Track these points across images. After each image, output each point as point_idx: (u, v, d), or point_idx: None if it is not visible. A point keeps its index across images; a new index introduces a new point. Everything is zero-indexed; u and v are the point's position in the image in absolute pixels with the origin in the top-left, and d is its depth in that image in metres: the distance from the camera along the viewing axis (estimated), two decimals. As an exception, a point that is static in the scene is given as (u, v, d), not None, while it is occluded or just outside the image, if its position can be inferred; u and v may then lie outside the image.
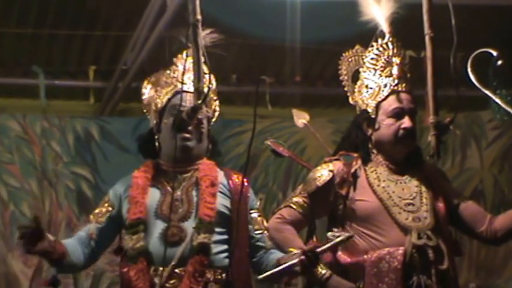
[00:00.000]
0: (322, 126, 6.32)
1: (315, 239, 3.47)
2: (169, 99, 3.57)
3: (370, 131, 3.50)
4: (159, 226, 3.44)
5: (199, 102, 3.37)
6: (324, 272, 3.34)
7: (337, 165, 3.48)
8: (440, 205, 3.45)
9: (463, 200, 3.53)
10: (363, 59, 3.59)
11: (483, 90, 3.50)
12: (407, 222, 3.36)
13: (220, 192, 3.51)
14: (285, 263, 3.25)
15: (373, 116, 3.49)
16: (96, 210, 3.60)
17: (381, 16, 3.56)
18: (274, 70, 6.97)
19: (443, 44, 3.45)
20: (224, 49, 3.44)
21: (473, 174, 7.13)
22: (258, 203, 3.61)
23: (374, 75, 3.52)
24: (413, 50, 4.56)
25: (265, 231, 3.48)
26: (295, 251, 3.25)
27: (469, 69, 3.47)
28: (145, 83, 3.73)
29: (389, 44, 3.53)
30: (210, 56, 3.44)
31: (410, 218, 3.37)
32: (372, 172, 3.47)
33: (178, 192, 3.49)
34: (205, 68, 3.39)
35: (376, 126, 3.48)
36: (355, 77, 3.63)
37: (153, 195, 3.52)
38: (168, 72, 3.65)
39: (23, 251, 3.36)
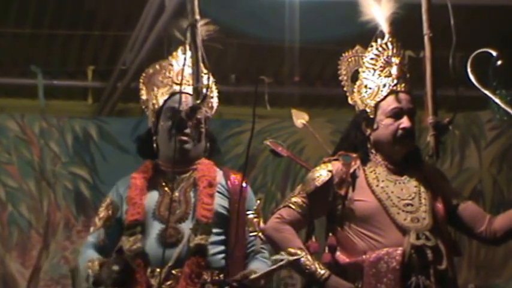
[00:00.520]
0: (321, 127, 6.31)
1: (314, 239, 3.46)
2: (165, 101, 3.56)
3: (368, 131, 3.49)
4: (156, 227, 3.44)
5: (198, 102, 3.36)
6: (322, 272, 3.33)
7: (336, 166, 3.48)
8: (439, 205, 3.44)
9: (462, 201, 3.52)
10: (362, 59, 3.58)
11: (483, 90, 3.50)
12: (405, 222, 3.36)
13: (219, 192, 3.50)
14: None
15: (371, 116, 3.48)
16: (102, 214, 3.59)
17: (380, 16, 3.55)
18: (273, 70, 6.97)
19: (443, 44, 3.44)
20: (220, 43, 3.43)
21: (472, 174, 7.12)
22: (258, 202, 3.61)
23: (373, 75, 3.51)
24: (412, 50, 4.54)
25: (259, 233, 3.48)
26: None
27: (469, 70, 3.47)
28: (141, 80, 3.72)
29: (389, 44, 3.52)
30: (209, 56, 3.44)
31: (408, 219, 3.37)
32: (371, 172, 3.46)
33: (177, 193, 3.49)
34: (203, 68, 3.39)
35: (375, 126, 3.47)
36: (355, 77, 3.62)
37: (152, 196, 3.52)
38: (163, 71, 3.64)
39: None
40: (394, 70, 3.49)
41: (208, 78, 3.39)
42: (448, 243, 3.41)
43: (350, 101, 3.62)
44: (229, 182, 3.54)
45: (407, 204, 3.40)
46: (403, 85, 3.48)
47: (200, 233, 3.39)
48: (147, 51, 5.92)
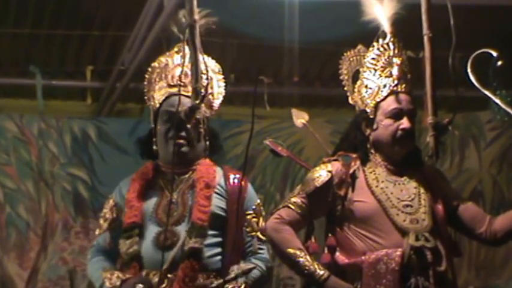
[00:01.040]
0: (321, 127, 6.30)
1: (313, 240, 3.45)
2: (161, 103, 3.54)
3: (368, 131, 3.48)
4: (152, 230, 3.43)
5: (197, 102, 3.35)
6: (321, 272, 3.33)
7: (335, 166, 3.47)
8: (439, 206, 3.43)
9: (462, 201, 3.52)
10: (364, 59, 3.57)
11: (483, 90, 3.49)
12: (405, 223, 3.35)
13: (216, 193, 3.49)
14: None
15: (371, 117, 3.47)
16: (107, 216, 3.57)
17: (382, 16, 3.54)
18: (272, 70, 6.96)
19: (443, 44, 3.44)
20: (219, 39, 3.42)
21: (472, 175, 7.12)
22: (258, 202, 3.59)
23: (374, 75, 3.50)
24: (412, 50, 4.53)
25: (258, 234, 3.48)
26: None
27: (469, 70, 3.46)
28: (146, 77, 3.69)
29: (391, 44, 3.51)
30: (209, 56, 3.43)
31: (408, 220, 3.36)
32: (371, 173, 3.45)
33: (175, 195, 3.47)
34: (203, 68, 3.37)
35: (375, 126, 3.46)
36: (355, 77, 3.61)
37: (151, 198, 3.51)
38: (161, 71, 3.62)
39: None
40: (395, 70, 3.48)
41: (208, 78, 3.38)
42: (448, 244, 3.40)
43: (350, 101, 3.61)
44: (228, 183, 3.53)
45: (407, 206, 3.39)
46: (403, 86, 3.47)
47: (195, 236, 3.37)
48: (146, 52, 5.91)
